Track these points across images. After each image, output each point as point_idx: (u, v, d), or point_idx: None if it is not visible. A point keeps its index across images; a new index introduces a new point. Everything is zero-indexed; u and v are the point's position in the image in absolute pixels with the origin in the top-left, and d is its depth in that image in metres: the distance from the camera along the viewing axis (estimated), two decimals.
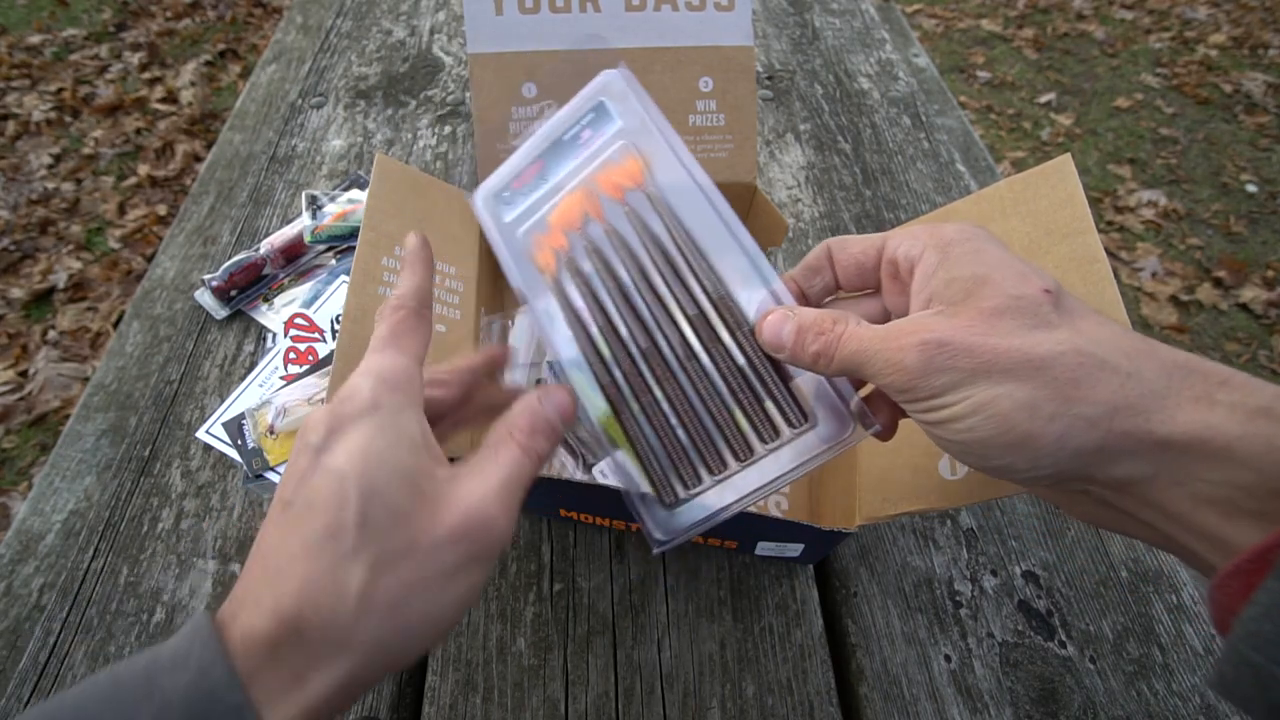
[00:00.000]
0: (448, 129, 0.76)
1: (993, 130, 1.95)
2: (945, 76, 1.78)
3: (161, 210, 1.59)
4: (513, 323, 0.47)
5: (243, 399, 0.54)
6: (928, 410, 0.22)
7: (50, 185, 1.63)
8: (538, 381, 0.43)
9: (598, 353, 0.29)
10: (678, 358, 0.28)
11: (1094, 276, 0.30)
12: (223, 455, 0.51)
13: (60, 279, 1.43)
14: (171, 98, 1.91)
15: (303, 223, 0.64)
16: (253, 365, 0.56)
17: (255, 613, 0.19)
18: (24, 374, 1.29)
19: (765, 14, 0.95)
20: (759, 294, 0.27)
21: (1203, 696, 0.42)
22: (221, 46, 2.09)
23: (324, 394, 0.51)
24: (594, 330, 0.29)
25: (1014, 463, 0.21)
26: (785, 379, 0.27)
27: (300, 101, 0.79)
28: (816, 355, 0.24)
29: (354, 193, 0.67)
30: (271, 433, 0.51)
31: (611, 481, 0.29)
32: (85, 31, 2.10)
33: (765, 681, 0.42)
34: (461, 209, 0.46)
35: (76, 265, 1.46)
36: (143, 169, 1.68)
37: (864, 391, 0.27)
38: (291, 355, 0.56)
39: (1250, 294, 1.51)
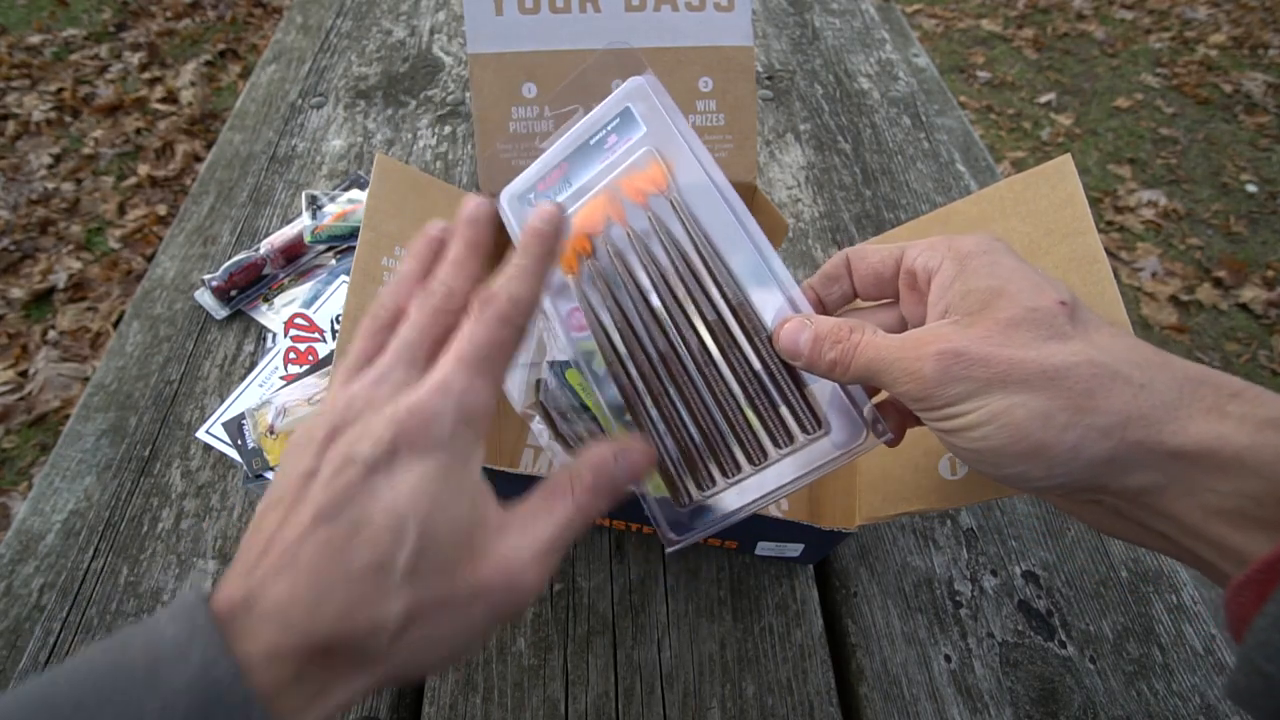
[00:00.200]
0: (448, 129, 0.76)
1: (993, 130, 1.95)
2: (945, 76, 1.78)
3: (161, 210, 1.59)
4: None
5: (243, 399, 0.54)
6: (943, 419, 0.22)
7: (50, 185, 1.63)
8: (538, 382, 0.43)
9: (615, 353, 0.29)
10: (695, 361, 0.28)
11: (1094, 276, 0.30)
12: (223, 455, 0.51)
13: (60, 279, 1.43)
14: (171, 98, 1.91)
15: (303, 223, 0.64)
16: (253, 365, 0.56)
17: (283, 630, 0.19)
18: (24, 374, 1.29)
19: (765, 14, 0.95)
20: (777, 301, 0.28)
21: (1202, 696, 0.42)
22: (221, 46, 2.09)
23: (324, 394, 0.51)
24: (613, 331, 0.29)
25: (1028, 471, 0.21)
26: (800, 385, 0.27)
27: (300, 101, 0.79)
28: (833, 363, 0.24)
29: (354, 193, 0.67)
30: (271, 433, 0.51)
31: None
32: (85, 31, 2.10)
33: (765, 681, 0.42)
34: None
35: (76, 265, 1.46)
36: (143, 169, 1.68)
37: (875, 399, 0.27)
38: (291, 355, 0.56)
39: (1250, 294, 1.51)
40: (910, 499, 0.34)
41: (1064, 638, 0.44)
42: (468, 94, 0.80)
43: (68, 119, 1.82)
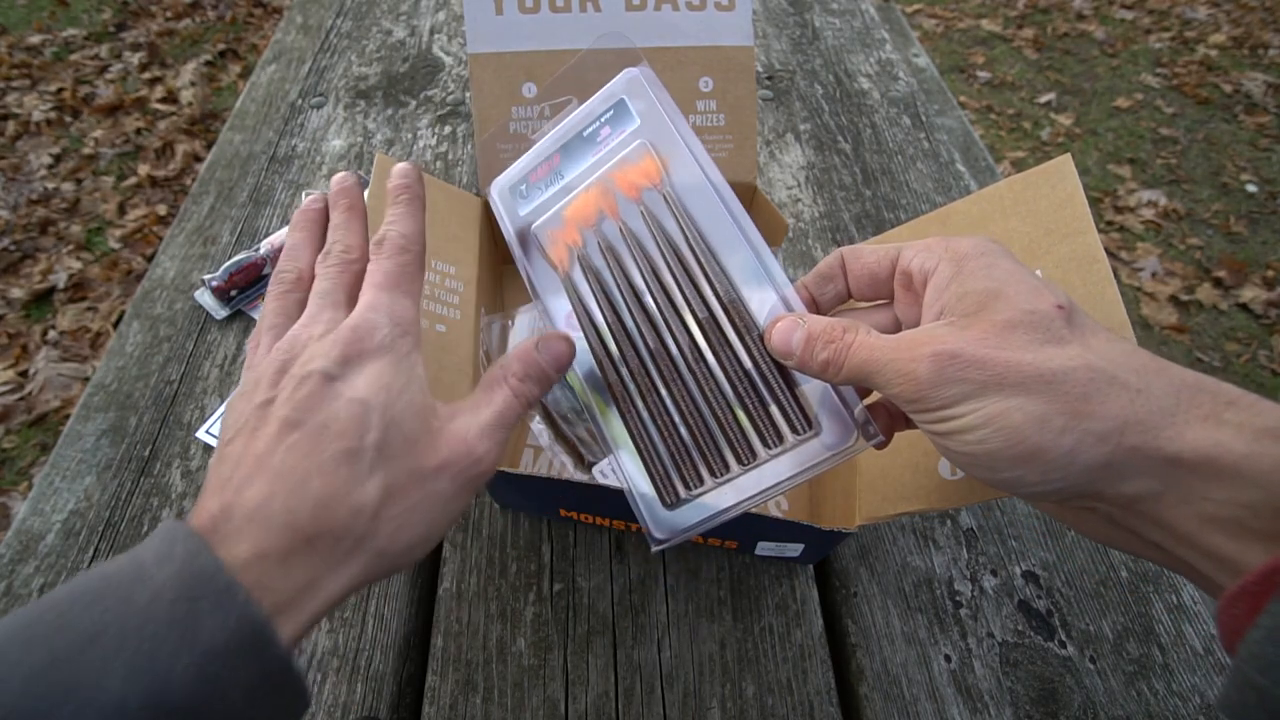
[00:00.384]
0: (448, 129, 0.76)
1: (993, 130, 1.95)
2: (945, 76, 1.78)
3: (161, 210, 1.59)
4: (513, 323, 0.47)
5: None
6: (937, 421, 0.22)
7: (50, 185, 1.63)
8: None
9: (605, 350, 0.29)
10: (685, 359, 0.28)
11: (1094, 276, 0.30)
12: None
13: (60, 279, 1.43)
14: (171, 98, 1.91)
15: None
16: None
17: (264, 529, 0.20)
18: (24, 374, 1.29)
19: (765, 14, 0.95)
20: (770, 300, 0.27)
21: (1202, 696, 0.42)
22: (221, 46, 2.09)
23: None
24: (603, 327, 0.29)
25: (1023, 476, 0.21)
26: (791, 385, 0.27)
27: (300, 101, 0.79)
28: (825, 363, 0.24)
29: None
30: None
31: (612, 481, 0.29)
32: (85, 31, 2.10)
33: (765, 681, 0.42)
34: (461, 209, 0.46)
35: (76, 265, 1.46)
36: (143, 169, 1.68)
37: (866, 401, 0.27)
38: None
39: (1250, 294, 1.51)
40: (910, 499, 0.34)
41: (1064, 638, 0.44)
42: (468, 94, 0.80)
43: (68, 119, 1.82)
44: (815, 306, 0.28)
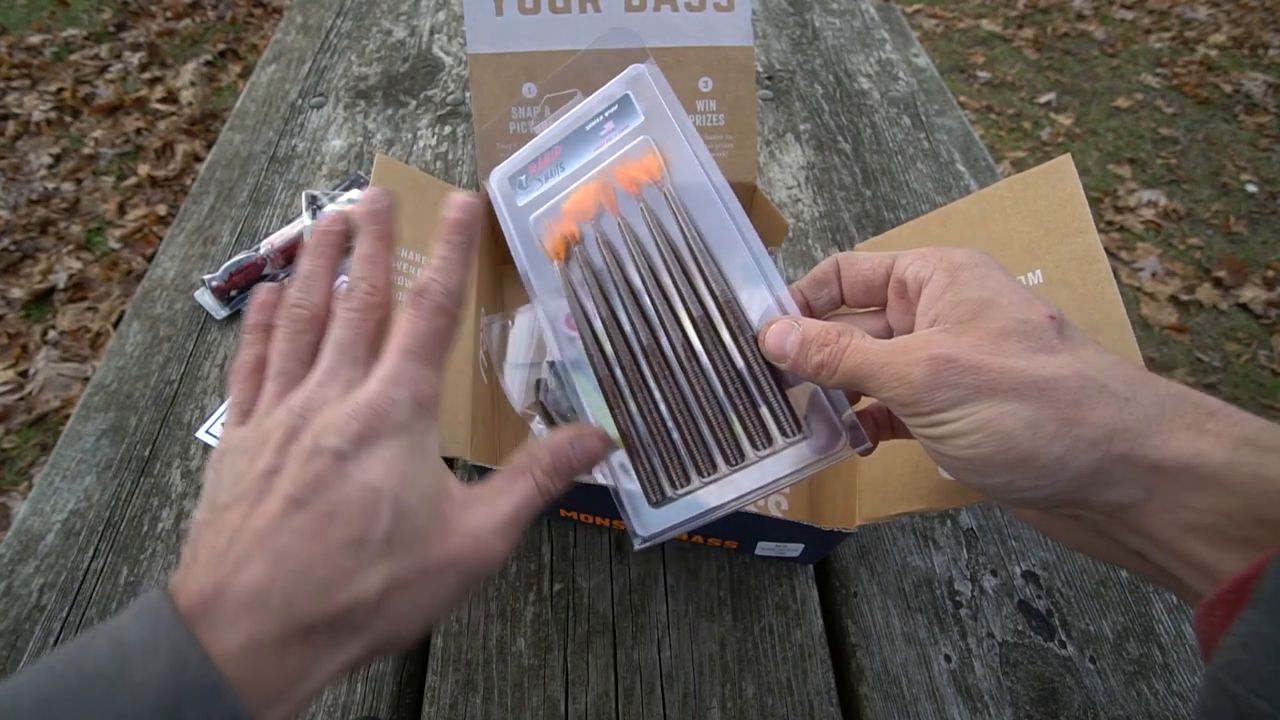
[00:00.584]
0: (448, 129, 0.76)
1: (993, 130, 1.95)
2: (945, 76, 1.78)
3: (161, 210, 1.59)
4: (513, 323, 0.47)
5: None
6: (930, 425, 0.22)
7: (50, 185, 1.63)
8: (538, 382, 0.43)
9: (598, 344, 0.29)
10: (678, 357, 0.28)
11: (1094, 276, 0.30)
12: None
13: (60, 279, 1.43)
14: (171, 98, 1.90)
15: (303, 223, 0.64)
16: None
17: (260, 616, 0.19)
18: (24, 374, 1.29)
19: (765, 14, 0.95)
20: (765, 302, 0.27)
21: (1203, 678, 0.42)
22: (221, 46, 2.09)
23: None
24: (597, 322, 0.29)
25: (1014, 481, 0.21)
26: (782, 388, 0.27)
27: (300, 101, 0.79)
28: (819, 366, 0.24)
29: (354, 193, 0.67)
30: None
31: (604, 479, 0.29)
32: (85, 31, 2.10)
33: (765, 681, 0.42)
34: None
35: (76, 265, 1.46)
36: (143, 169, 1.68)
37: (855, 408, 0.27)
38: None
39: (1250, 294, 1.51)
40: (910, 499, 0.34)
41: (1064, 638, 0.44)
42: (468, 94, 0.80)
43: (68, 119, 1.82)
44: (809, 311, 0.28)
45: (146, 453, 0.51)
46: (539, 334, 0.44)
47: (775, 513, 0.47)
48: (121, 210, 1.59)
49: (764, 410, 0.27)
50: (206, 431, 0.52)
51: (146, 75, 1.97)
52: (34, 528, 0.48)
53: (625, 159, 0.30)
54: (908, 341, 0.23)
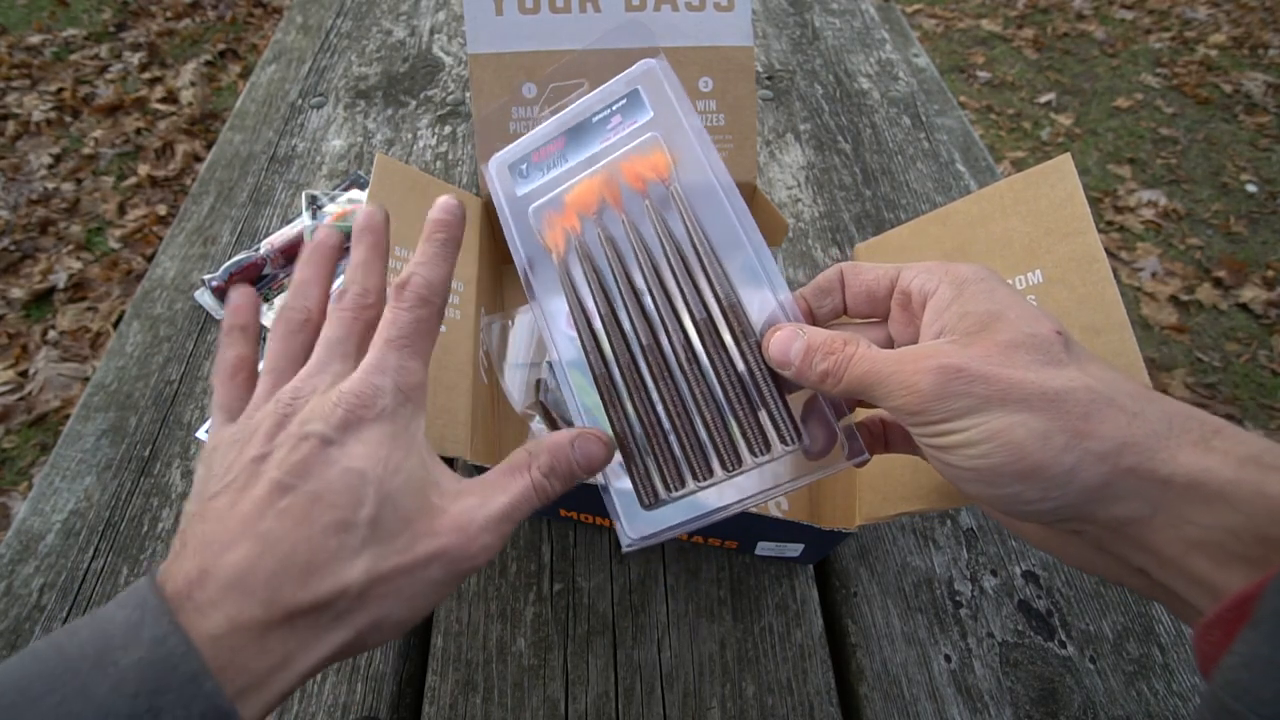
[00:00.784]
0: (448, 129, 0.76)
1: (993, 130, 1.95)
2: (945, 76, 1.78)
3: (161, 210, 1.59)
4: (513, 323, 0.47)
5: None
6: (938, 435, 0.22)
7: (50, 185, 1.63)
8: (538, 382, 0.43)
9: (595, 341, 0.28)
10: (678, 358, 0.27)
11: (1094, 276, 0.30)
12: None
13: (60, 279, 1.43)
14: (171, 98, 1.90)
15: (303, 223, 0.64)
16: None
17: (243, 599, 0.19)
18: (24, 374, 1.29)
19: (765, 14, 0.95)
20: (768, 307, 0.27)
21: (1202, 696, 0.42)
22: (221, 46, 2.09)
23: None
24: (595, 319, 0.28)
25: (1022, 493, 0.21)
26: (783, 395, 0.26)
27: (300, 101, 0.79)
28: (825, 374, 0.24)
29: (354, 193, 0.67)
30: None
31: (595, 479, 0.28)
32: (85, 31, 2.10)
33: (765, 681, 0.42)
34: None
35: (76, 265, 1.46)
36: (143, 169, 1.68)
37: (854, 420, 0.27)
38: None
39: (1250, 294, 1.51)
40: (910, 499, 0.34)
41: (1064, 638, 0.44)
42: (468, 94, 0.80)
43: (68, 119, 1.82)
44: (812, 318, 0.28)
45: (146, 453, 0.51)
46: (539, 334, 0.44)
47: (775, 513, 0.47)
48: (121, 210, 1.59)
49: (763, 416, 0.26)
50: (206, 431, 0.52)
51: (146, 75, 1.97)
52: (34, 528, 0.48)
53: (632, 154, 0.30)
54: (915, 351, 0.23)
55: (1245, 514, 0.18)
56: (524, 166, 0.31)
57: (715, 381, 0.27)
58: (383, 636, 0.22)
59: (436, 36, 0.89)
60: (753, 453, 0.26)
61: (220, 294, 0.59)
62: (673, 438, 0.27)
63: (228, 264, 0.60)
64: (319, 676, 0.41)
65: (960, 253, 0.37)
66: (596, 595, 0.45)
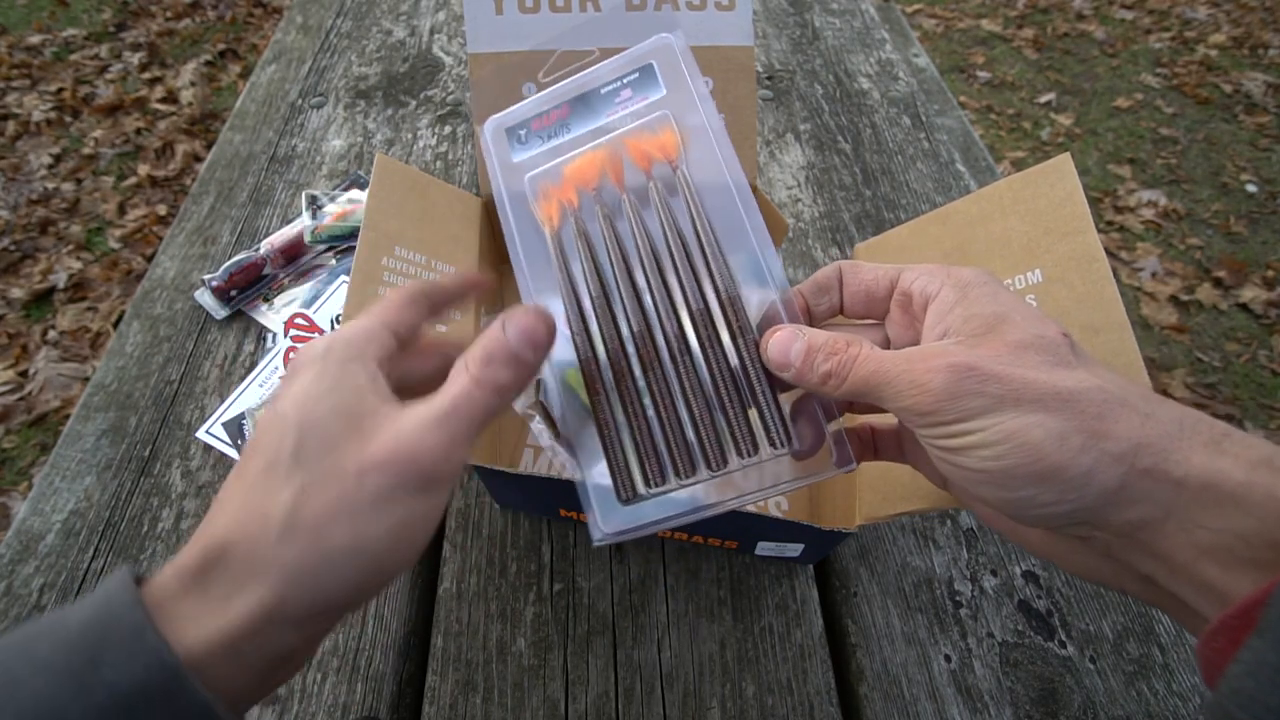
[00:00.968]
0: (448, 129, 0.76)
1: (993, 130, 1.95)
2: (945, 76, 1.78)
3: (161, 210, 1.59)
4: None
5: (243, 399, 0.54)
6: (950, 436, 0.21)
7: (50, 185, 1.63)
8: (538, 382, 0.43)
9: (584, 323, 0.27)
10: (670, 349, 0.26)
11: (1094, 276, 0.30)
12: (223, 455, 0.51)
13: (60, 279, 1.43)
14: (171, 98, 1.90)
15: (303, 223, 0.64)
16: (253, 365, 0.56)
17: (188, 551, 0.20)
18: (24, 374, 1.29)
19: (765, 14, 0.95)
20: (767, 304, 0.26)
21: (1202, 696, 0.42)
22: (221, 46, 2.09)
23: None
24: (585, 300, 0.27)
25: (1036, 495, 0.20)
26: (775, 396, 0.26)
27: (300, 101, 0.79)
28: (827, 375, 0.24)
29: (354, 193, 0.67)
30: None
31: (571, 471, 0.27)
32: (85, 31, 2.10)
33: (765, 681, 0.42)
34: (462, 209, 0.46)
35: (76, 265, 1.46)
36: (143, 169, 1.68)
37: (842, 426, 0.27)
38: (292, 355, 0.56)
39: (1250, 294, 1.51)
40: (910, 499, 0.34)
41: (1064, 638, 0.44)
42: (468, 94, 0.80)
43: (68, 119, 1.82)
44: (809, 316, 0.27)
45: (146, 453, 0.51)
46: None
47: (775, 513, 0.47)
48: (121, 210, 1.59)
49: (753, 415, 0.25)
50: (207, 431, 0.52)
51: (146, 75, 1.97)
52: (34, 528, 0.48)
53: (640, 131, 0.28)
54: (923, 350, 0.22)
55: (1257, 518, 0.18)
56: (522, 132, 0.30)
57: (706, 375, 0.26)
58: (330, 572, 0.20)
59: (436, 36, 0.89)
60: (740, 454, 0.25)
61: (220, 294, 0.59)
62: (658, 431, 0.26)
63: (228, 264, 0.60)
64: (319, 677, 0.41)
65: (960, 252, 0.37)
66: (596, 595, 0.45)
